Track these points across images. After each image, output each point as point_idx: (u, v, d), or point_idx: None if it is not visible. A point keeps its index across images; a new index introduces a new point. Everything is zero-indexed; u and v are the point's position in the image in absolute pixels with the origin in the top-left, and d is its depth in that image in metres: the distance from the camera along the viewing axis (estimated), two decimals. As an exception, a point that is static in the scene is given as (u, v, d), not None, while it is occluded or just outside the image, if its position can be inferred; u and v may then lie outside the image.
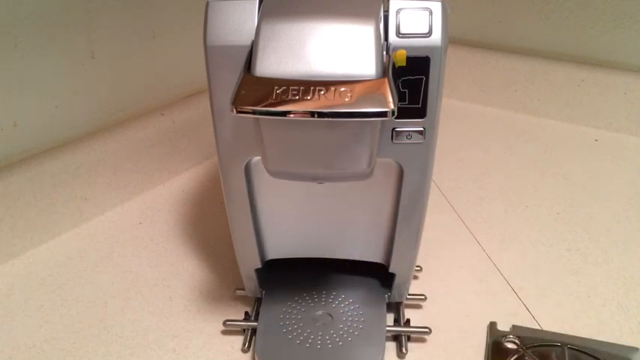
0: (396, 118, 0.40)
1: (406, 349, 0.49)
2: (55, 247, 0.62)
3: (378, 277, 0.53)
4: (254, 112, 0.33)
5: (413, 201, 0.45)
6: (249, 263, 0.50)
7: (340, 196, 0.48)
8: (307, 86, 0.33)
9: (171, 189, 0.74)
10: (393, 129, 0.41)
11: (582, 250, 0.61)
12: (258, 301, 0.53)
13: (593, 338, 0.50)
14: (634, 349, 0.49)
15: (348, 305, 0.51)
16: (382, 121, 0.39)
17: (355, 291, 0.52)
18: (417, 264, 0.56)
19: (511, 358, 0.48)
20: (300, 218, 0.50)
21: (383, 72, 0.35)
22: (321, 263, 0.53)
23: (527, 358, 0.48)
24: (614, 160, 0.79)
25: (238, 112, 0.33)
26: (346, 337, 0.48)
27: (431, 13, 0.38)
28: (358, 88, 0.33)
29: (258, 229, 0.50)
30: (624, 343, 0.49)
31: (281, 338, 0.48)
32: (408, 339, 0.50)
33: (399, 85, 0.39)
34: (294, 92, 0.33)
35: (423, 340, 0.50)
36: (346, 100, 0.33)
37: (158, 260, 0.61)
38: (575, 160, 0.79)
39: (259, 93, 0.34)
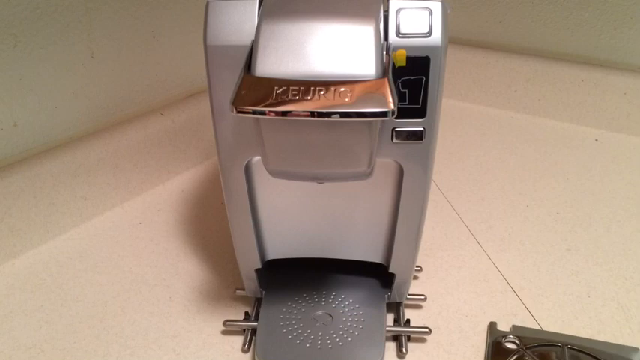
0: (396, 118, 0.40)
1: (406, 349, 0.49)
2: (55, 247, 0.63)
3: (378, 277, 0.53)
4: (254, 112, 0.33)
5: (413, 201, 0.45)
6: (249, 263, 0.50)
7: (340, 196, 0.48)
8: (307, 86, 0.33)
9: (171, 189, 0.74)
10: (393, 129, 0.41)
11: (582, 250, 0.61)
12: (258, 301, 0.53)
13: (593, 338, 0.50)
14: (634, 349, 0.49)
15: (348, 305, 0.51)
16: (382, 121, 0.39)
17: (355, 291, 0.52)
18: (417, 264, 0.56)
19: (511, 358, 0.48)
20: (300, 218, 0.50)
21: (383, 72, 0.35)
22: (321, 263, 0.53)
23: (527, 358, 0.48)
24: (614, 160, 0.79)
25: (238, 112, 0.33)
26: (346, 337, 0.48)
27: (431, 13, 0.38)
28: (358, 88, 0.33)
29: (258, 229, 0.50)
30: (624, 343, 0.49)
31: (281, 338, 0.48)
32: (408, 339, 0.50)
33: (399, 85, 0.39)
34: (294, 92, 0.33)
35: (423, 340, 0.50)
36: (346, 100, 0.33)
37: (158, 260, 0.61)
38: (575, 160, 0.79)
39: (259, 93, 0.34)
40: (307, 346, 0.47)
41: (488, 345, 0.49)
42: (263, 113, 0.33)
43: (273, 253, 0.52)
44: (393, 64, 0.38)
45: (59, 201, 0.63)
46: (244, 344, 0.49)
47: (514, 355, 0.48)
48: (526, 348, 0.48)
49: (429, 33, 0.38)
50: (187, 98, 0.77)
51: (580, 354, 0.48)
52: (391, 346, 0.50)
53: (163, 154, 0.73)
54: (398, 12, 0.38)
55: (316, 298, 0.52)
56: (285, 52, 0.35)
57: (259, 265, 0.51)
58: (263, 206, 0.48)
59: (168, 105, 0.75)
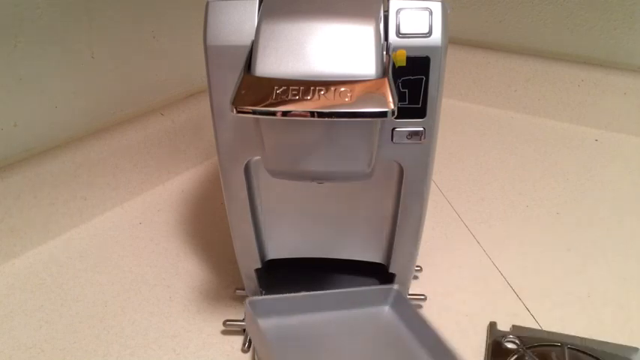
0: (396, 118, 0.40)
1: (406, 349, 0.49)
2: (55, 247, 0.63)
3: (378, 277, 0.53)
4: (254, 112, 0.33)
5: (413, 201, 0.45)
6: (249, 263, 0.50)
7: (340, 196, 0.48)
8: (307, 86, 0.33)
9: (171, 189, 0.74)
10: (393, 129, 0.41)
11: (582, 250, 0.61)
12: (258, 301, 0.53)
13: (593, 338, 0.50)
14: (634, 349, 0.49)
15: (348, 305, 0.51)
16: (382, 121, 0.39)
17: (355, 291, 0.52)
18: (417, 264, 0.56)
19: (511, 358, 0.48)
20: (300, 218, 0.50)
21: (383, 72, 0.35)
22: (321, 263, 0.53)
23: (527, 358, 0.48)
24: (614, 160, 0.79)
25: (238, 112, 0.33)
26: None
27: (431, 13, 0.38)
28: (358, 88, 0.33)
29: (258, 229, 0.50)
30: (624, 343, 0.49)
31: (281, 338, 0.48)
32: (408, 339, 0.50)
33: (399, 85, 0.39)
34: (294, 92, 0.33)
35: (423, 340, 0.50)
36: (346, 100, 0.33)
37: (158, 260, 0.61)
38: (575, 160, 0.79)
39: (259, 93, 0.34)
40: (307, 346, 0.47)
41: (488, 345, 0.49)
42: (263, 113, 0.33)
43: (273, 253, 0.52)
44: (393, 64, 0.38)
45: (59, 201, 0.63)
46: (244, 344, 0.49)
47: (514, 355, 0.48)
48: (526, 348, 0.48)
49: (429, 33, 0.38)
50: (187, 98, 0.77)
51: (580, 354, 0.48)
52: (391, 346, 0.50)
53: (163, 154, 0.73)
54: (398, 12, 0.38)
55: (316, 298, 0.52)
56: (285, 52, 0.35)
57: (259, 265, 0.51)
58: (263, 206, 0.48)
59: (168, 105, 0.75)
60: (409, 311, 0.44)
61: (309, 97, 0.33)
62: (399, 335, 0.43)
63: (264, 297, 0.45)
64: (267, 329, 0.42)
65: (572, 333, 0.50)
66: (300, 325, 0.43)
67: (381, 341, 0.44)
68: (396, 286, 0.45)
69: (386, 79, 0.34)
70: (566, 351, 0.48)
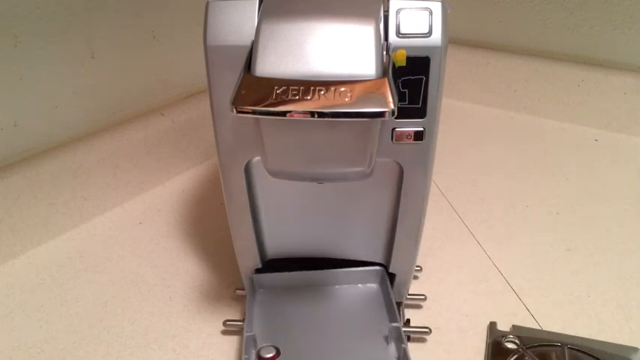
0: (396, 118, 0.40)
1: (406, 349, 0.49)
2: (55, 247, 0.63)
3: (378, 277, 0.53)
4: (254, 112, 0.33)
5: (413, 201, 0.45)
6: (249, 263, 0.50)
7: (340, 196, 0.48)
8: (307, 86, 0.33)
9: (171, 189, 0.74)
10: (393, 129, 0.41)
11: (582, 250, 0.61)
12: (258, 301, 0.53)
13: (593, 338, 0.50)
14: (634, 349, 0.49)
15: (348, 305, 0.51)
16: (382, 121, 0.39)
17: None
18: (417, 264, 0.56)
19: (511, 358, 0.48)
20: (300, 218, 0.50)
21: (383, 72, 0.35)
22: (321, 263, 0.53)
23: (527, 358, 0.48)
24: (614, 160, 0.79)
25: (238, 112, 0.33)
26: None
27: (431, 13, 0.38)
28: (358, 88, 0.33)
29: (258, 229, 0.50)
30: (624, 343, 0.49)
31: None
32: (408, 339, 0.50)
33: (399, 85, 0.39)
34: (294, 92, 0.33)
35: (423, 340, 0.50)
36: (346, 100, 0.33)
37: (158, 260, 0.61)
38: (575, 160, 0.79)
39: (259, 93, 0.34)
40: (307, 346, 0.47)
41: (488, 345, 0.49)
42: (263, 113, 0.33)
43: (273, 253, 0.52)
44: (393, 64, 0.38)
45: (59, 201, 0.63)
46: (244, 344, 0.49)
47: (514, 355, 0.48)
48: (526, 348, 0.48)
49: (429, 33, 0.38)
50: (187, 98, 0.77)
51: (580, 354, 0.48)
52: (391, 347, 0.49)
53: (163, 154, 0.74)
54: (398, 12, 0.38)
55: (316, 298, 0.52)
56: (285, 52, 0.35)
57: (259, 265, 0.51)
58: (263, 206, 0.48)
59: (168, 105, 0.75)
60: (387, 290, 0.50)
61: (309, 97, 0.33)
62: (376, 310, 0.49)
63: (265, 274, 0.51)
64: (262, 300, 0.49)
65: (572, 333, 0.50)
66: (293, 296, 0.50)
67: (360, 314, 0.48)
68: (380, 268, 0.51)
69: (386, 79, 0.34)
70: (566, 351, 0.48)
